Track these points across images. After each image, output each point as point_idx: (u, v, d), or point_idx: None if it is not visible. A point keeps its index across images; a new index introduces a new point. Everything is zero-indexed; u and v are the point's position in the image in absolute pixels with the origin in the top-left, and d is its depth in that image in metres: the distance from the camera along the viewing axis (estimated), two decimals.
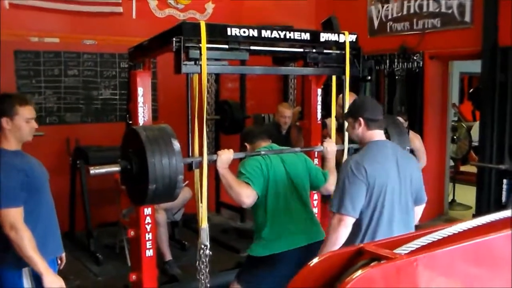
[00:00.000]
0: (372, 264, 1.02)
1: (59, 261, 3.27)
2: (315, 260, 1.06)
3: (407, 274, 0.99)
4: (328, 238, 2.88)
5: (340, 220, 2.80)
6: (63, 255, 3.31)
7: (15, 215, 2.80)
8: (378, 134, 3.00)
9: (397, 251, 1.04)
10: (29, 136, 3.00)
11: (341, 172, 2.93)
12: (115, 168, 2.95)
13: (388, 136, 3.50)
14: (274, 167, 3.42)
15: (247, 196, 3.27)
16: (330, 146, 3.67)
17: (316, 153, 4.00)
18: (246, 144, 3.67)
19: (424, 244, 1.05)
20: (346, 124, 3.60)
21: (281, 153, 3.55)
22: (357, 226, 2.88)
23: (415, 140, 5.05)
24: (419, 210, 3.19)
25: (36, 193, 2.95)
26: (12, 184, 2.83)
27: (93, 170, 2.92)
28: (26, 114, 2.95)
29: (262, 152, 3.45)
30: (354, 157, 3.04)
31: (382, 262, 1.02)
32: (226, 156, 3.25)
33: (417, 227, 5.84)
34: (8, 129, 2.91)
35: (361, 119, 2.97)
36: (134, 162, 2.86)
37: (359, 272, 0.97)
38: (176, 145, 2.85)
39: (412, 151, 5.45)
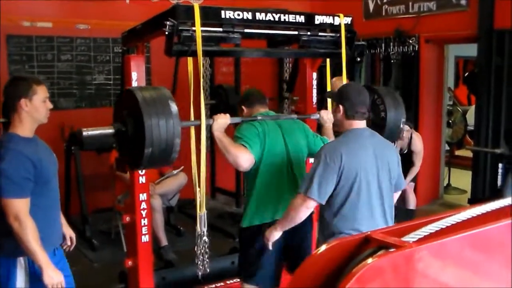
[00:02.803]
0: (380, 252, 1.00)
1: (68, 242, 3.24)
2: (322, 248, 1.03)
3: (416, 262, 0.97)
4: (287, 213, 2.97)
5: (304, 201, 2.85)
6: (73, 235, 3.29)
7: (21, 206, 2.75)
8: (357, 124, 2.97)
9: (404, 239, 1.02)
10: (45, 117, 2.97)
11: (315, 157, 2.95)
12: (109, 130, 2.90)
13: (384, 108, 3.47)
14: (271, 133, 3.35)
15: (246, 159, 3.18)
16: (327, 114, 3.61)
17: None
18: (243, 107, 3.62)
19: (432, 231, 1.03)
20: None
21: (278, 119, 3.51)
22: (330, 211, 2.91)
23: (418, 142, 5.02)
24: (394, 196, 3.19)
25: (43, 185, 2.90)
26: (21, 174, 2.77)
27: (86, 132, 2.86)
28: (43, 93, 2.92)
29: (259, 117, 3.38)
30: (329, 144, 3.08)
31: (390, 250, 1.00)
32: (222, 120, 3.14)
33: (413, 212, 5.86)
34: (26, 110, 2.86)
35: (340, 106, 2.96)
36: (129, 124, 2.78)
37: (368, 261, 0.95)
38: (174, 107, 2.78)
39: (412, 153, 5.44)
